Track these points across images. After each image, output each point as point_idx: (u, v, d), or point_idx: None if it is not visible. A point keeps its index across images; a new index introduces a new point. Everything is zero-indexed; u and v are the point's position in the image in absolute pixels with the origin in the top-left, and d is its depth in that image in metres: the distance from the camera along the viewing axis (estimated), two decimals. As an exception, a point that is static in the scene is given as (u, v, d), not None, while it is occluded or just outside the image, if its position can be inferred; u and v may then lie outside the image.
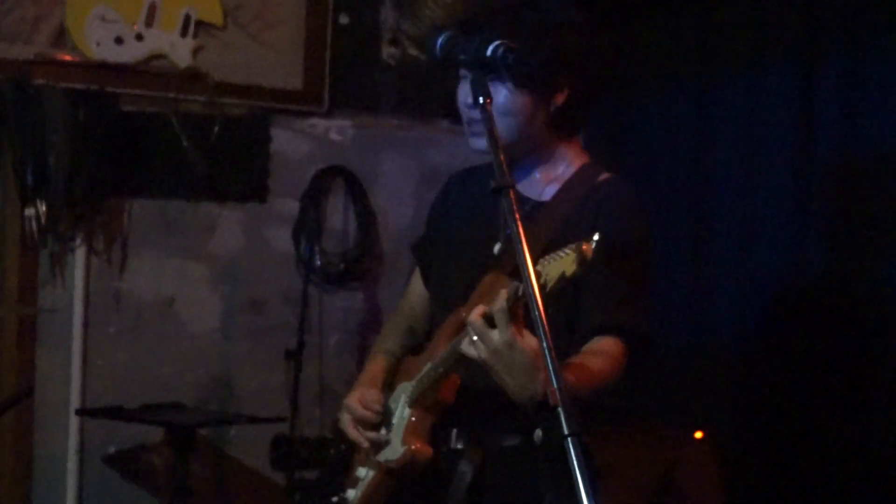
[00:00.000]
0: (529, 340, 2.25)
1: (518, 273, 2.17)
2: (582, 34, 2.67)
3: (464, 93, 2.65)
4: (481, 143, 2.61)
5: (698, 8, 4.74)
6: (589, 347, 2.57)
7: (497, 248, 2.65)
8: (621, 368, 2.58)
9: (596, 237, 2.17)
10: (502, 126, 2.54)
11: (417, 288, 3.01)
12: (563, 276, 2.17)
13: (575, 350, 2.55)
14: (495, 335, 2.26)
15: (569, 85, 2.66)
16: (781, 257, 4.35)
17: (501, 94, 2.60)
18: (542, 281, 2.17)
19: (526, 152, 2.71)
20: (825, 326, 4.18)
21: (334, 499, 2.81)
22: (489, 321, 2.27)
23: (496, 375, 2.32)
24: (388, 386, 2.80)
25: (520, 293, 2.22)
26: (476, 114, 2.54)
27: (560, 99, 2.66)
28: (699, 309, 4.63)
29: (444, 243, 2.89)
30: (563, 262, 2.17)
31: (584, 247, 2.15)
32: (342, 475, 2.90)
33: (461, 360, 2.44)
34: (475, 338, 2.30)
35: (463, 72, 2.62)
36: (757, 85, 4.49)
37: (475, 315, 2.30)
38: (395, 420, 2.70)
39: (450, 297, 2.72)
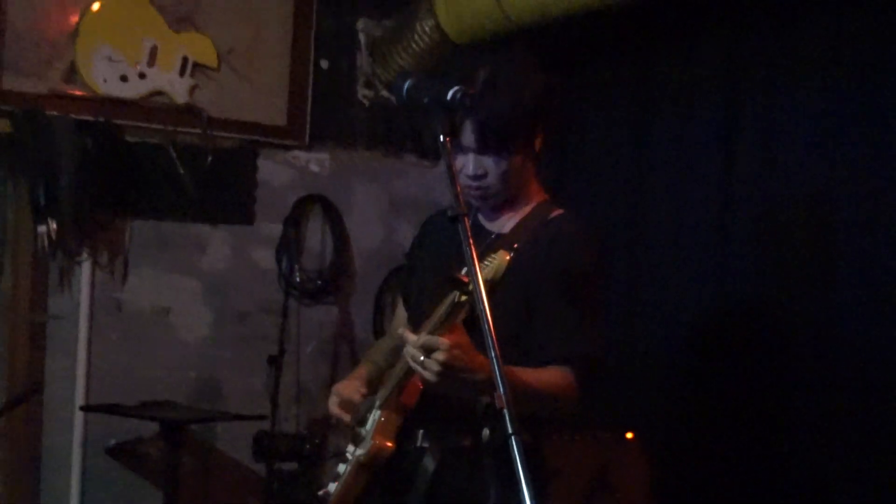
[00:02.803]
0: (459, 340, 2.34)
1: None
2: (548, 86, 2.71)
3: (469, 165, 2.67)
4: (487, 202, 2.72)
5: (635, 60, 4.75)
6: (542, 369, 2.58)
7: (464, 272, 2.65)
8: (572, 390, 2.58)
9: (515, 247, 2.43)
10: (502, 184, 2.68)
11: (401, 314, 3.01)
12: (487, 281, 2.29)
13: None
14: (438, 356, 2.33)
15: (543, 130, 2.72)
16: (705, 282, 4.35)
17: (501, 164, 2.65)
18: (470, 287, 2.25)
19: (513, 196, 2.74)
20: (741, 343, 4.19)
21: (320, 492, 2.80)
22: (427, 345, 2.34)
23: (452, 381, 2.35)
24: (374, 390, 2.80)
25: (456, 300, 2.32)
26: (479, 182, 2.66)
27: (538, 144, 2.72)
28: (632, 327, 4.63)
29: (421, 273, 2.90)
30: (486, 270, 2.37)
31: (504, 256, 2.37)
32: (317, 467, 2.90)
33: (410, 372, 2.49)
34: (421, 358, 2.36)
35: (465, 145, 2.63)
36: (685, 128, 4.50)
37: (410, 339, 2.39)
38: (370, 420, 2.68)
39: (421, 316, 2.71)
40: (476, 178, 2.67)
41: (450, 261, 2.64)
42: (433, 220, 3.01)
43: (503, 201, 2.74)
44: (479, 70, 2.66)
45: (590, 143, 4.98)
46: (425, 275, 2.85)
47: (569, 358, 2.58)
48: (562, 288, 2.59)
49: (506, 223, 2.75)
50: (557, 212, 2.75)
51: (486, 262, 2.38)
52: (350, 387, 2.77)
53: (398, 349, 2.89)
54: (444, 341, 2.30)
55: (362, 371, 2.87)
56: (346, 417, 2.73)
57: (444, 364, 2.30)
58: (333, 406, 2.76)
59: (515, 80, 2.66)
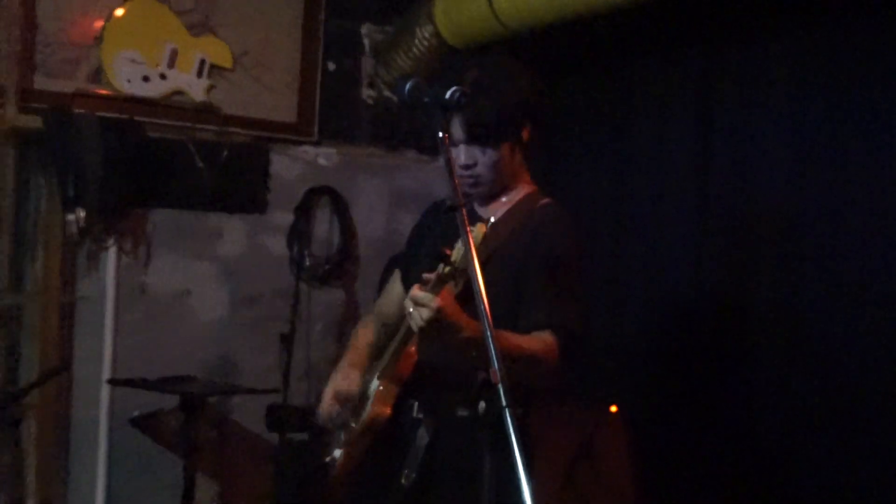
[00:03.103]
0: (446, 302, 2.35)
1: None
2: (532, 83, 2.75)
3: (461, 156, 2.70)
4: (478, 190, 2.73)
5: (618, 67, 4.79)
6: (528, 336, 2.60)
7: (456, 248, 2.68)
8: (554, 354, 2.59)
9: (492, 220, 2.35)
10: (493, 173, 2.71)
11: (394, 289, 3.03)
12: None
13: None
14: (423, 311, 2.34)
15: (530, 122, 2.74)
16: (682, 269, 4.39)
17: (489, 154, 2.68)
18: (453, 258, 2.31)
19: (503, 186, 2.77)
20: (714, 325, 4.24)
21: (327, 458, 2.83)
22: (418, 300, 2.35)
23: (440, 337, 2.38)
24: (370, 367, 2.83)
25: (442, 272, 2.32)
26: (471, 171, 2.68)
27: (526, 135, 2.75)
28: (615, 311, 4.66)
29: (419, 255, 2.94)
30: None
31: (481, 228, 2.34)
32: (325, 437, 2.92)
33: (411, 334, 2.52)
34: (411, 310, 2.37)
35: (456, 137, 2.66)
36: (664, 128, 4.54)
37: (411, 294, 2.39)
38: (370, 390, 2.71)
39: None
40: (467, 167, 2.70)
41: (445, 244, 2.67)
42: (432, 210, 3.06)
43: (494, 190, 2.77)
44: (469, 70, 2.69)
45: (576, 143, 5.01)
46: (423, 259, 2.86)
47: (551, 326, 2.61)
48: (546, 268, 2.63)
49: (497, 210, 2.77)
50: (544, 201, 2.79)
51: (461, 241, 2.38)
52: (348, 378, 2.80)
53: (387, 326, 2.93)
54: (433, 299, 2.33)
55: (353, 358, 2.91)
56: (335, 409, 2.78)
57: (428, 320, 2.33)
58: (330, 402, 2.80)
59: (502, 76, 2.69)
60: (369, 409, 2.68)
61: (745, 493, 3.96)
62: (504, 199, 2.79)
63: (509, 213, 2.75)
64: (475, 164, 2.69)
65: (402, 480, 2.66)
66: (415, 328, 2.38)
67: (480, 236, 2.40)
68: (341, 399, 2.78)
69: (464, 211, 2.22)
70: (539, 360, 2.57)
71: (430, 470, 2.66)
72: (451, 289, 2.41)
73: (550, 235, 2.69)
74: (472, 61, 2.76)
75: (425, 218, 3.05)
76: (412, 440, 2.67)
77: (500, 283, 2.53)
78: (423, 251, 2.92)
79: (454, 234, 2.49)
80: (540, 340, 2.59)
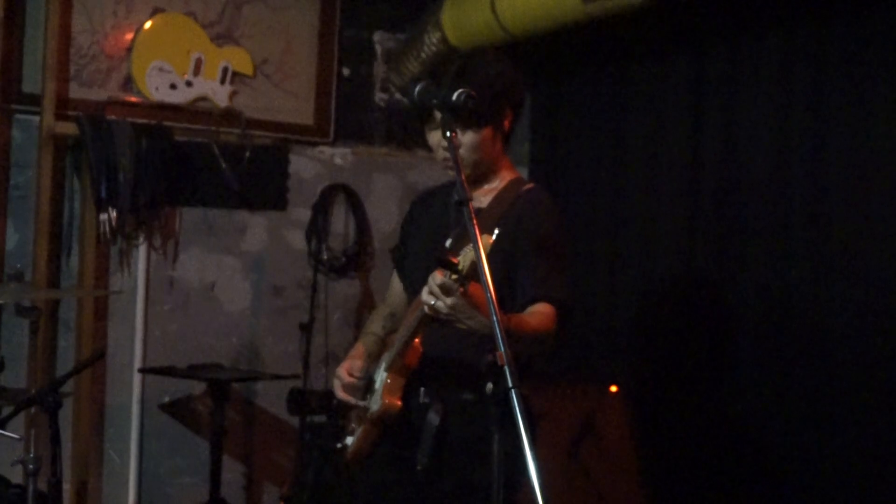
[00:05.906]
0: (473, 290, 2.31)
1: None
2: (513, 76, 2.73)
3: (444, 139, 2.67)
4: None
5: (615, 66, 4.79)
6: (527, 310, 2.59)
7: (448, 242, 2.67)
8: (553, 324, 2.58)
9: (496, 231, 2.27)
10: (475, 155, 2.66)
11: (396, 282, 3.01)
12: (473, 262, 2.23)
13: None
14: (448, 299, 2.32)
15: (511, 111, 2.71)
16: (675, 257, 4.41)
17: (469, 135, 2.64)
18: (460, 266, 2.25)
19: (484, 171, 2.73)
20: (705, 309, 4.26)
21: (339, 444, 2.82)
22: (442, 288, 2.32)
23: (460, 320, 2.36)
24: (377, 357, 2.81)
25: (450, 279, 2.28)
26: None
27: (507, 123, 2.71)
28: (613, 295, 4.67)
29: (413, 245, 2.92)
30: (471, 253, 2.24)
31: (488, 239, 2.23)
32: (342, 420, 2.90)
33: (427, 320, 2.48)
34: (432, 301, 2.34)
35: (439, 122, 2.62)
36: (659, 126, 4.55)
37: (434, 279, 2.34)
38: (377, 382, 2.71)
39: (416, 282, 2.71)
40: (445, 149, 2.65)
41: (439, 234, 2.68)
42: (420, 200, 3.03)
43: (476, 175, 2.72)
44: (455, 60, 2.70)
45: (577, 138, 5.02)
46: (418, 247, 2.87)
47: (545, 298, 2.60)
48: (534, 247, 2.62)
49: (483, 198, 2.73)
50: (528, 186, 2.76)
51: (467, 249, 2.29)
52: (350, 368, 2.75)
53: (394, 315, 2.91)
54: (457, 287, 2.31)
55: (361, 348, 2.86)
56: (352, 401, 2.75)
57: (452, 305, 2.32)
58: (338, 390, 2.76)
59: (484, 62, 2.69)
60: (380, 402, 2.66)
61: (739, 465, 3.97)
62: (488, 187, 2.75)
63: (495, 201, 2.72)
64: (459, 147, 2.60)
65: (417, 466, 2.64)
66: (443, 315, 2.35)
67: (488, 247, 2.36)
68: (349, 391, 2.76)
69: (471, 206, 2.21)
70: (545, 334, 2.57)
71: (441, 453, 2.64)
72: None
73: (535, 217, 2.67)
74: (460, 54, 2.75)
75: (415, 207, 3.03)
76: (422, 425, 2.65)
77: (496, 267, 2.49)
78: (417, 241, 2.90)
79: (443, 219, 2.46)
80: (541, 314, 2.58)
